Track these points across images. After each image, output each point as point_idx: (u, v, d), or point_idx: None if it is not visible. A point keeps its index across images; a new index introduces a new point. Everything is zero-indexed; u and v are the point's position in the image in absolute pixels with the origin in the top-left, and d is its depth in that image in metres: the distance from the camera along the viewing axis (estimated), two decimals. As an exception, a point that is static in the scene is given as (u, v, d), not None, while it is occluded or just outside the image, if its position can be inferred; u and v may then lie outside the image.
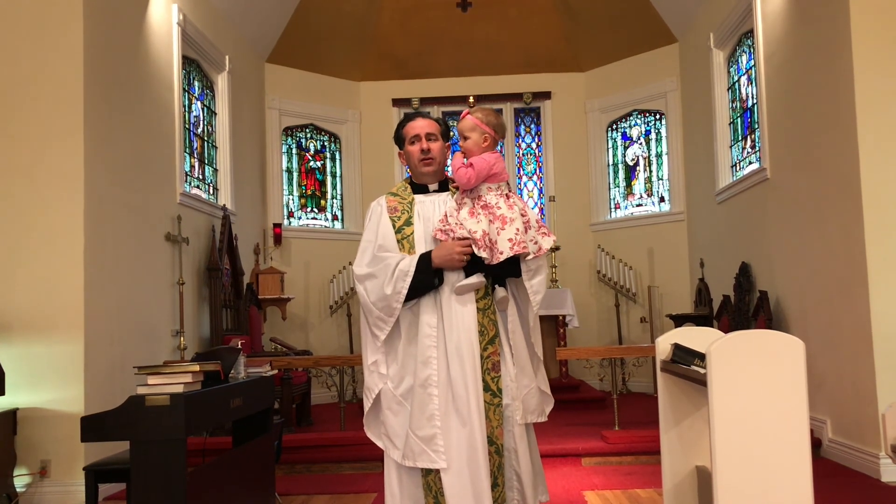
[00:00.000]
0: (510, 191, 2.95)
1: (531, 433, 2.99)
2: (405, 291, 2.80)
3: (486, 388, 2.82)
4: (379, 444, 2.94)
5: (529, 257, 2.84)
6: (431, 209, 2.96)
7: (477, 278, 2.82)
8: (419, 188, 3.04)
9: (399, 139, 3.06)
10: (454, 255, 2.80)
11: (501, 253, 2.76)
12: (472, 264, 2.83)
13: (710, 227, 7.78)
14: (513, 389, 2.87)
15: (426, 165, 2.98)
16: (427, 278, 2.82)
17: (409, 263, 2.83)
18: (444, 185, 3.05)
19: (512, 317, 2.93)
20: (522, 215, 2.86)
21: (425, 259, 2.84)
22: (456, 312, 2.82)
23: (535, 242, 2.86)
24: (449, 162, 3.08)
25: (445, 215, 2.87)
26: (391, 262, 2.85)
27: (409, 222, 2.94)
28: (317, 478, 5.24)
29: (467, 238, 2.79)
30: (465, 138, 2.92)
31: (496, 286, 2.88)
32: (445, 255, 2.81)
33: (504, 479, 2.84)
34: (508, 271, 2.88)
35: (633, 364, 7.92)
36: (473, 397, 2.76)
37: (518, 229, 2.79)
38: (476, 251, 2.78)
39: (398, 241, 2.91)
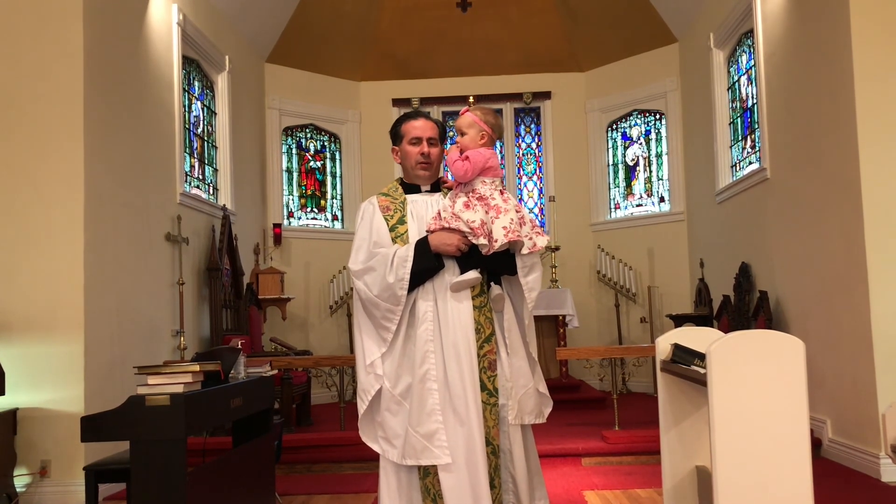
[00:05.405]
0: (504, 188, 2.96)
1: (529, 435, 2.95)
2: (408, 277, 2.78)
3: (483, 388, 2.79)
4: (375, 447, 2.89)
5: (524, 250, 2.84)
6: (424, 208, 2.96)
7: (474, 274, 2.81)
8: (410, 188, 3.04)
9: (396, 135, 3.05)
10: (453, 242, 2.78)
11: (496, 241, 2.77)
12: (468, 259, 2.82)
13: (710, 227, 7.78)
14: (508, 389, 2.84)
15: (423, 169, 2.99)
16: (427, 261, 2.80)
17: (407, 249, 2.83)
18: (436, 186, 3.05)
19: (508, 315, 2.91)
20: (517, 211, 2.88)
21: (423, 243, 2.83)
22: (452, 309, 2.80)
23: (531, 238, 2.86)
24: (444, 158, 3.08)
25: (439, 213, 2.87)
26: (388, 253, 2.84)
27: (402, 221, 2.94)
28: (317, 478, 5.24)
29: (465, 231, 2.79)
30: (463, 134, 2.94)
31: (492, 283, 2.88)
32: (444, 240, 2.80)
33: (500, 480, 2.80)
34: (504, 268, 2.88)
35: (633, 364, 7.93)
36: (471, 396, 2.73)
37: (512, 219, 2.81)
38: (475, 241, 2.78)
39: (393, 240, 2.90)
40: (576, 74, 9.53)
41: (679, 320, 7.38)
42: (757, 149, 6.63)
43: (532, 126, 9.78)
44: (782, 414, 2.52)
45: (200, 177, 7.08)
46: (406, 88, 9.52)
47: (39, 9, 4.87)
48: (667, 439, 3.22)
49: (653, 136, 9.12)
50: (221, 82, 7.57)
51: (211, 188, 7.33)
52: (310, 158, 9.37)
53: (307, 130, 9.35)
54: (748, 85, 6.89)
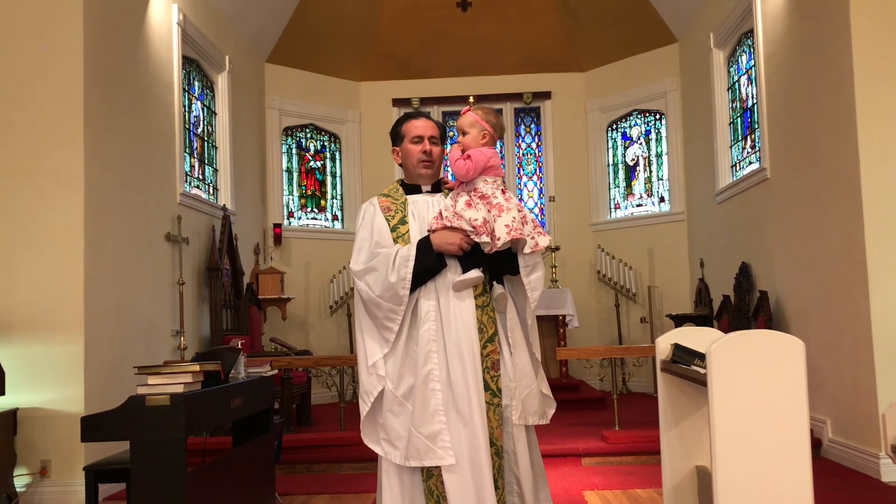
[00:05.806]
0: (505, 187, 2.96)
1: (532, 436, 2.93)
2: (410, 276, 2.76)
3: (486, 388, 2.78)
4: (377, 450, 2.86)
5: (527, 249, 2.83)
6: (425, 209, 2.95)
7: (476, 273, 2.80)
8: (411, 189, 3.03)
9: (397, 136, 3.04)
10: (455, 240, 2.78)
11: (498, 239, 2.76)
12: (470, 258, 2.82)
13: (710, 227, 7.78)
14: (512, 389, 2.83)
15: (425, 168, 2.97)
16: (429, 260, 2.79)
17: (409, 248, 2.81)
18: (436, 187, 3.04)
19: (511, 315, 2.90)
20: (519, 210, 2.87)
21: (424, 242, 2.82)
22: (454, 308, 2.79)
23: (532, 238, 2.85)
24: (445, 158, 3.07)
25: (440, 213, 2.87)
26: (390, 253, 2.83)
27: (403, 221, 2.93)
28: (317, 478, 5.24)
29: (467, 229, 2.79)
30: (465, 133, 2.94)
31: (494, 283, 2.87)
32: (446, 238, 2.79)
33: (504, 482, 2.79)
34: (506, 267, 2.87)
35: (633, 364, 7.93)
36: (475, 396, 2.71)
37: (514, 217, 2.80)
38: (477, 239, 2.77)
39: (394, 240, 2.89)
40: (576, 74, 9.53)
41: (679, 320, 7.38)
42: (757, 149, 6.63)
43: (532, 126, 9.78)
44: (782, 414, 2.52)
45: (200, 177, 7.08)
46: (406, 88, 9.52)
47: (39, 9, 4.87)
48: (667, 439, 3.22)
49: (653, 136, 9.12)
50: (221, 82, 7.57)
51: (211, 188, 7.33)
52: (310, 158, 9.37)
53: (307, 130, 9.35)
54: (748, 85, 6.89)
